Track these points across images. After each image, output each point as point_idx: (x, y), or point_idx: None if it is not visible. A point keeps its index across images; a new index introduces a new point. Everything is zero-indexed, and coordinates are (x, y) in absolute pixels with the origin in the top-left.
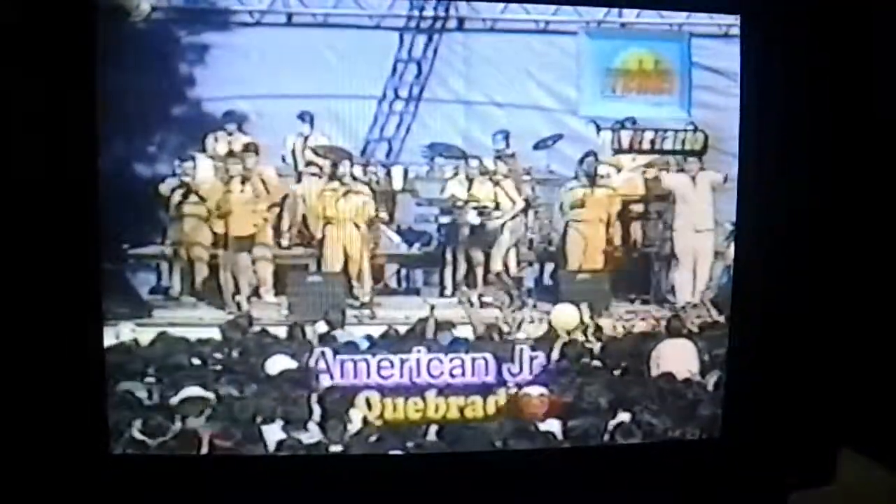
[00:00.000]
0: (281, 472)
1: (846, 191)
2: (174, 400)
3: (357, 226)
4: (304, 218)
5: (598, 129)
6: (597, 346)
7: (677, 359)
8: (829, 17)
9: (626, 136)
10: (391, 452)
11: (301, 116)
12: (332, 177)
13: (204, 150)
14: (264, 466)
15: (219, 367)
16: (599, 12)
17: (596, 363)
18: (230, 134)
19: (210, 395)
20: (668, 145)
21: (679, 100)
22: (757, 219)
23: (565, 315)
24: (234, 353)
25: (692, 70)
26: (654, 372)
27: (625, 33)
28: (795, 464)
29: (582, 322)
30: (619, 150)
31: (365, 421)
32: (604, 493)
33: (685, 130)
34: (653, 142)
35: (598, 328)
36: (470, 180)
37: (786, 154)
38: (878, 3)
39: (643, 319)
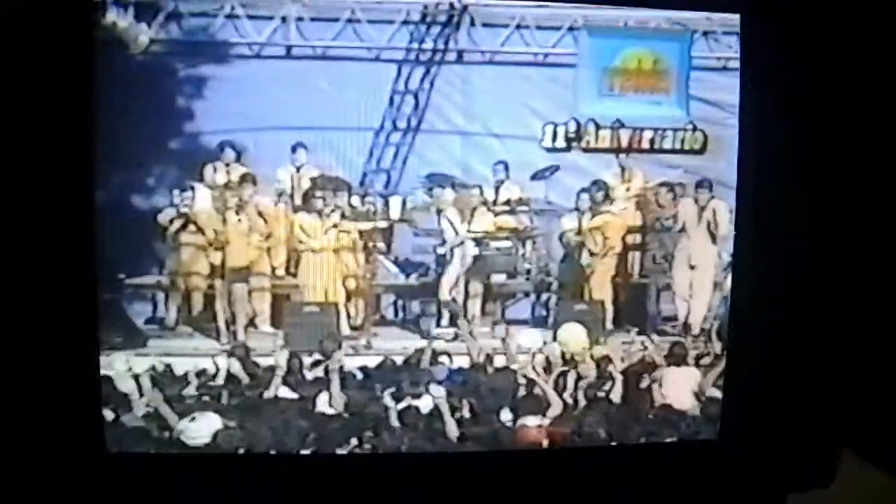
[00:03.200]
0: (280, 472)
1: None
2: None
3: (354, 256)
4: (301, 248)
5: (598, 128)
6: (594, 376)
7: (677, 388)
8: (831, 22)
9: (624, 136)
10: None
11: (298, 147)
12: (330, 207)
13: (202, 181)
14: (264, 467)
15: (211, 398)
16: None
17: (594, 393)
18: (227, 165)
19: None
20: (667, 144)
21: (677, 99)
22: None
23: (573, 334)
24: (229, 384)
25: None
26: (654, 402)
27: (625, 32)
28: (794, 465)
29: (588, 345)
30: (618, 150)
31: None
32: (602, 495)
33: (684, 130)
34: (652, 141)
35: (604, 358)
36: (466, 211)
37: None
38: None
39: (642, 349)
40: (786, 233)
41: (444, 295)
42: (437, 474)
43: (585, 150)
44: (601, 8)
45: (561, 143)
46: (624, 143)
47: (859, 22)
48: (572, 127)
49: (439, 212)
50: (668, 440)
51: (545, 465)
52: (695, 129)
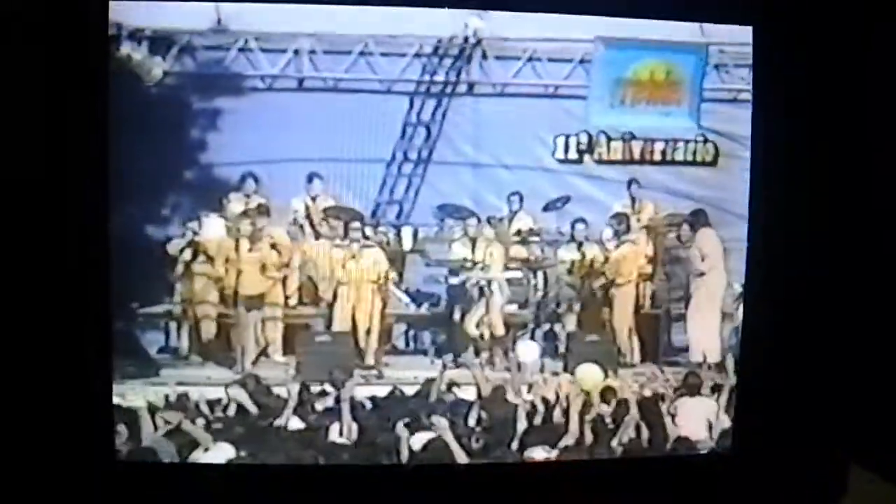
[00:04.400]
0: (289, 480)
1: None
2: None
3: (366, 286)
4: (314, 278)
5: (609, 139)
6: (606, 408)
7: (691, 419)
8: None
9: (636, 147)
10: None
11: (311, 178)
12: (343, 237)
13: (216, 211)
14: (273, 475)
15: (223, 427)
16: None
17: (605, 425)
18: (247, 196)
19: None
20: (679, 156)
21: (689, 110)
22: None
23: (590, 374)
24: (241, 413)
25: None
26: (668, 433)
27: (639, 43)
28: (806, 480)
29: (604, 380)
30: (630, 161)
31: None
32: None
33: (696, 141)
34: (664, 152)
35: (609, 390)
36: (476, 241)
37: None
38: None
39: (653, 380)
40: (796, 252)
41: (473, 330)
42: (446, 484)
43: (598, 162)
44: (615, 19)
45: (573, 154)
46: (636, 155)
47: (860, 22)
48: (584, 138)
49: (473, 241)
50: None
51: (555, 474)
52: (706, 140)
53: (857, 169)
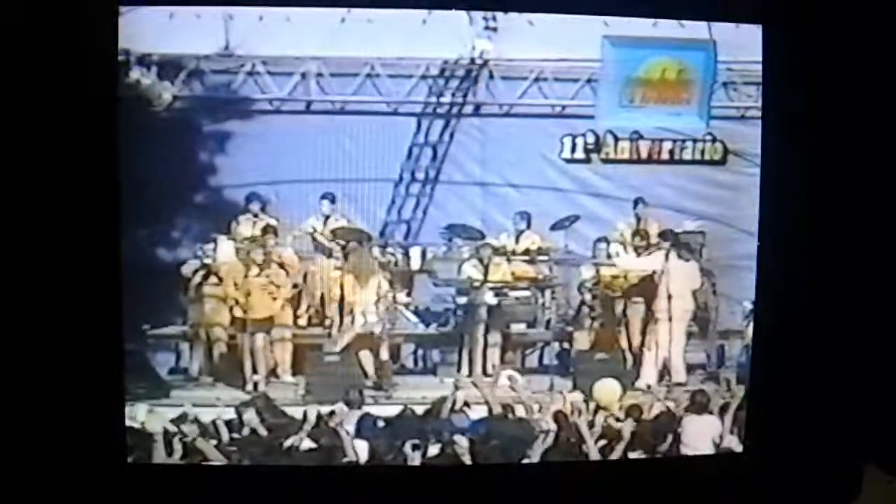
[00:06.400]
0: (299, 482)
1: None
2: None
3: (375, 306)
4: (322, 299)
5: (616, 139)
6: (623, 424)
7: (699, 436)
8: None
9: (644, 147)
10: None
11: (320, 199)
12: (351, 258)
13: (226, 233)
14: (281, 476)
15: (235, 448)
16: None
17: (617, 440)
18: (255, 216)
19: None
20: (687, 155)
21: (699, 110)
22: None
23: (607, 390)
24: (251, 434)
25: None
26: (675, 451)
27: (647, 42)
28: (820, 480)
29: (622, 396)
30: (638, 161)
31: None
32: None
33: (704, 140)
34: (671, 152)
35: (634, 407)
36: (486, 261)
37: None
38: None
39: (661, 398)
40: (805, 258)
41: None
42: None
43: (605, 161)
44: (623, 18)
45: (580, 154)
46: (644, 155)
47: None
48: (591, 138)
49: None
50: (694, 454)
51: (567, 475)
52: (714, 139)
53: (869, 178)
